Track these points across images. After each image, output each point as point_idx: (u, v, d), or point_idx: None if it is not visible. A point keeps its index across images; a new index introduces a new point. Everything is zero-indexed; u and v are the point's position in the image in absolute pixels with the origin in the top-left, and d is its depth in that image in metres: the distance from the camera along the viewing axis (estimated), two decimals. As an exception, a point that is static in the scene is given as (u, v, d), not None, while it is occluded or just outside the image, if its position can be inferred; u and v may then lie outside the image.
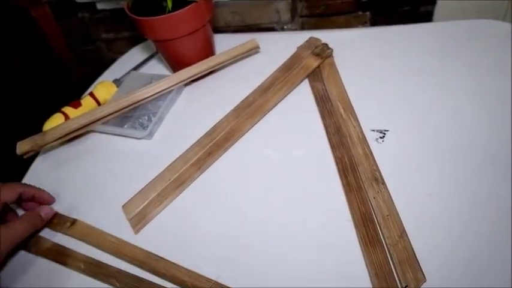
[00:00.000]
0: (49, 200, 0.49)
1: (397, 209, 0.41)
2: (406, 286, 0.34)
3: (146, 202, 0.47)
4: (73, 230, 0.46)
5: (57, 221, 0.48)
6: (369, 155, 0.46)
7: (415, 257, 0.37)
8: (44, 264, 0.44)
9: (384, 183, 0.43)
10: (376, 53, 0.61)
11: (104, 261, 0.43)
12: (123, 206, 0.47)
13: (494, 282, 0.34)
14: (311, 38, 0.65)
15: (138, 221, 0.46)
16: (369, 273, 0.37)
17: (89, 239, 0.45)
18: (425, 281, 0.35)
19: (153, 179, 0.49)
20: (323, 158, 0.48)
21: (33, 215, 0.45)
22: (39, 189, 0.48)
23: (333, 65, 0.60)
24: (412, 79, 0.55)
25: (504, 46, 0.56)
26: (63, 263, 0.43)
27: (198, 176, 0.49)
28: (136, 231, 0.45)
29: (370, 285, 0.36)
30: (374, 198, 0.42)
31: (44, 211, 0.46)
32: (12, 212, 0.48)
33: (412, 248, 0.37)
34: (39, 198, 0.48)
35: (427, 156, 0.45)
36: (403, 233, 0.38)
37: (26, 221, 0.44)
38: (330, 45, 0.63)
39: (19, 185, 0.46)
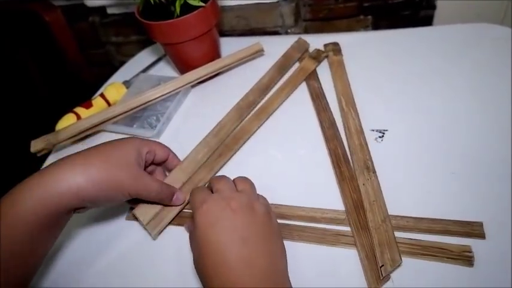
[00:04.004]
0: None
1: (384, 199, 0.42)
2: (382, 266, 0.36)
3: (161, 206, 0.46)
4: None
5: None
6: (364, 146, 0.48)
7: (395, 240, 0.38)
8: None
9: (374, 172, 0.45)
10: (378, 55, 0.63)
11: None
12: (135, 211, 0.45)
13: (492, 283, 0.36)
14: (299, 38, 0.67)
15: (156, 225, 0.45)
16: (359, 255, 0.39)
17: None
18: (401, 262, 0.37)
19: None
20: (320, 151, 0.50)
21: (168, 188, 0.44)
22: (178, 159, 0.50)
23: (341, 63, 0.62)
24: (412, 81, 0.57)
25: (503, 49, 0.58)
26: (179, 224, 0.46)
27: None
28: (155, 236, 0.45)
29: (361, 267, 0.38)
30: (363, 184, 0.44)
31: (179, 196, 0.46)
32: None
33: (393, 233, 0.39)
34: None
35: (424, 156, 0.47)
36: (386, 218, 0.40)
37: (161, 186, 0.43)
38: (332, 49, 0.65)
39: (169, 150, 0.48)
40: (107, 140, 0.58)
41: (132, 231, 0.47)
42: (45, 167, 0.38)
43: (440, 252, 0.37)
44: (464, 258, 0.37)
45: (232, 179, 0.41)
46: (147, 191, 0.41)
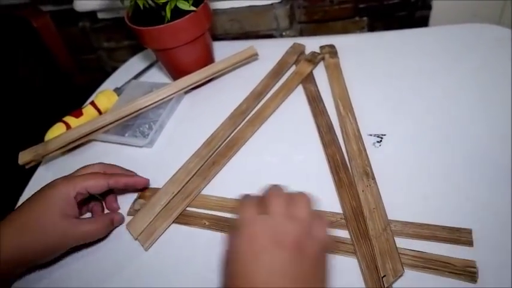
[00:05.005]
0: (144, 182, 0.49)
1: (384, 205, 0.41)
2: (384, 276, 0.35)
3: (153, 217, 0.46)
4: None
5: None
6: (362, 151, 0.47)
7: (396, 249, 0.37)
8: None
9: (373, 178, 0.44)
10: (374, 57, 0.62)
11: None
12: (128, 225, 0.46)
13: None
14: (295, 43, 0.66)
15: (147, 237, 0.44)
16: (360, 265, 0.38)
17: (196, 203, 0.48)
18: (403, 272, 0.36)
19: (156, 194, 0.48)
20: (318, 157, 0.49)
21: (104, 221, 0.45)
22: (130, 175, 0.49)
23: (337, 65, 0.61)
24: (409, 83, 0.56)
25: (499, 49, 0.57)
26: (187, 223, 0.46)
27: (204, 187, 0.49)
28: (147, 248, 0.44)
29: (361, 277, 0.37)
30: (363, 191, 0.43)
31: (116, 218, 0.47)
32: (96, 200, 0.49)
33: (394, 241, 0.38)
34: (133, 185, 0.49)
35: (422, 159, 0.46)
36: (387, 227, 0.39)
37: (96, 224, 0.44)
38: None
39: (107, 177, 0.45)
40: (97, 150, 0.57)
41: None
42: None
43: (443, 266, 0.36)
44: (467, 273, 0.35)
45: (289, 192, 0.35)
46: (87, 237, 0.43)
